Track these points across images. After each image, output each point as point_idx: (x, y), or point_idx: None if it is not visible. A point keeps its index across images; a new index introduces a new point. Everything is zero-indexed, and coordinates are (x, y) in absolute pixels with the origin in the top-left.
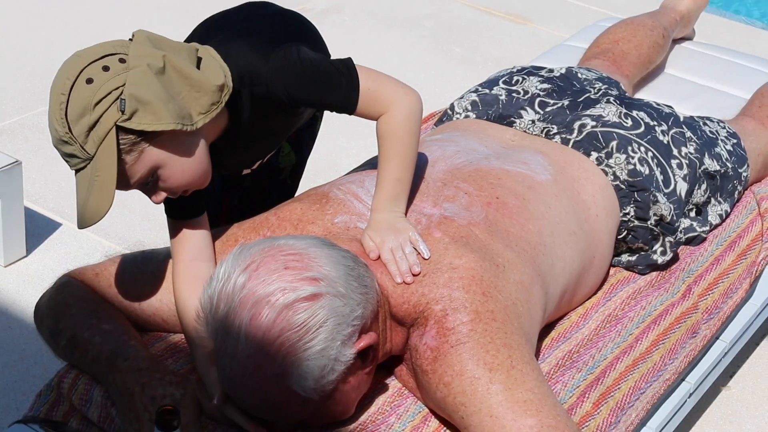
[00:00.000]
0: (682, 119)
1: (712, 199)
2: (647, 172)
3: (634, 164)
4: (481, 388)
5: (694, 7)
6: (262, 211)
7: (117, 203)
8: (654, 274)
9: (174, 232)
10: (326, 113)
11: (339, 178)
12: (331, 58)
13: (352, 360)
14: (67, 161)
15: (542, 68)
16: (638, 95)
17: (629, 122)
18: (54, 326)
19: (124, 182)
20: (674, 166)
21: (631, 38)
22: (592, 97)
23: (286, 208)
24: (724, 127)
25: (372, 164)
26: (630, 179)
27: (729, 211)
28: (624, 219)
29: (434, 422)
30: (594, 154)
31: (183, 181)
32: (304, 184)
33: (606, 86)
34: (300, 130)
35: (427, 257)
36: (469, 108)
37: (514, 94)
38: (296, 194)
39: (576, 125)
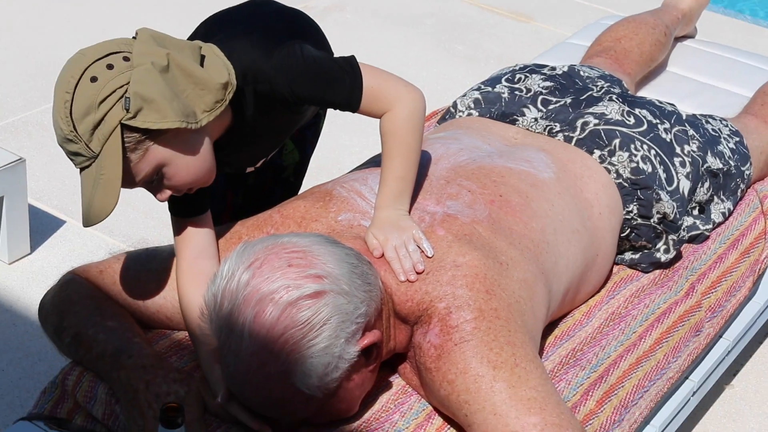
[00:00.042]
0: (684, 117)
1: (715, 197)
2: (650, 170)
3: (637, 162)
4: (484, 386)
5: (695, 6)
6: (266, 208)
7: (121, 201)
8: (657, 272)
9: (178, 229)
10: (329, 111)
11: (342, 175)
12: (334, 55)
13: (355, 358)
14: (71, 159)
15: (545, 66)
16: (640, 93)
17: (632, 120)
18: (58, 323)
19: (129, 180)
20: (677, 164)
21: (633, 36)
22: (595, 95)
23: (289, 205)
24: (727, 125)
25: (375, 162)
26: (633, 177)
27: (732, 209)
28: (627, 217)
29: (438, 420)
30: (597, 152)
31: (188, 178)
32: (308, 182)
33: (608, 84)
34: (303, 129)
35: (430, 255)
36: (472, 106)
37: (516, 92)
38: (300, 192)
39: (579, 123)
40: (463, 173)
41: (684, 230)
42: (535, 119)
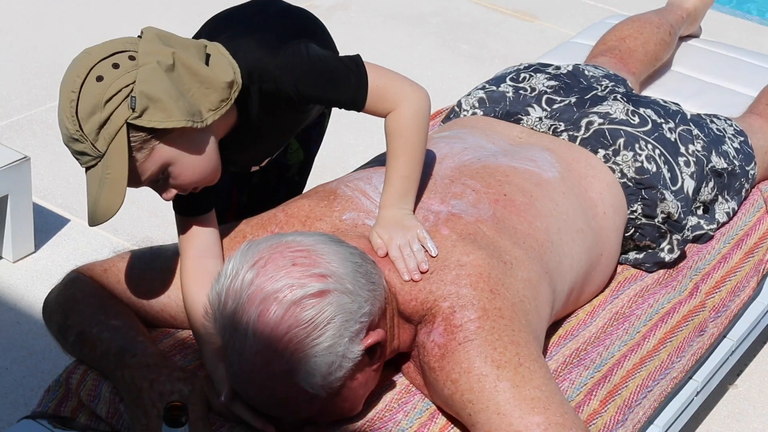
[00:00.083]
0: (689, 117)
1: (720, 197)
2: (654, 169)
3: (642, 162)
4: (488, 385)
5: (700, 5)
6: (270, 207)
7: (125, 199)
8: (661, 271)
9: (182, 228)
10: (334, 111)
11: (347, 175)
12: (339, 54)
13: (359, 357)
14: (77, 159)
15: (549, 65)
16: (645, 93)
17: (636, 120)
18: (63, 322)
19: (134, 179)
20: (681, 163)
21: (637, 36)
22: (600, 94)
23: (294, 204)
24: (731, 125)
25: (379, 161)
26: (637, 177)
27: (736, 209)
28: (631, 216)
29: (442, 419)
30: (601, 152)
31: (193, 177)
32: (312, 182)
33: (613, 83)
34: (308, 128)
35: (434, 255)
36: (477, 105)
37: (521, 91)
38: (304, 191)
39: (583, 122)
40: (467, 172)
41: (688, 230)
42: (540, 118)
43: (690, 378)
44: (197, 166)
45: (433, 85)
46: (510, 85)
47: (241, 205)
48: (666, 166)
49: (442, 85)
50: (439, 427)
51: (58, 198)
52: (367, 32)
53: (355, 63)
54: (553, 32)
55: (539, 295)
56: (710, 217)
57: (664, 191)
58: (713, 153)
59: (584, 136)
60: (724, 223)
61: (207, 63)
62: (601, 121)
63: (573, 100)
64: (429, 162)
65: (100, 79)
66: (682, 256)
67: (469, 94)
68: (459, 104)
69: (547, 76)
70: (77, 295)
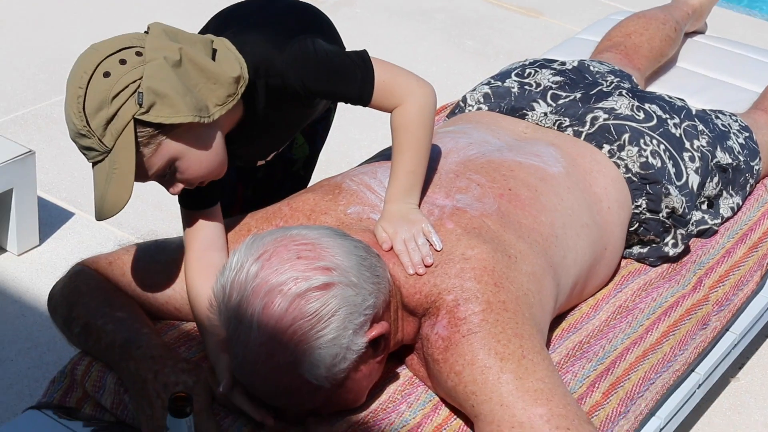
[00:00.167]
0: (694, 112)
1: (724, 192)
2: (659, 164)
3: (646, 157)
4: (491, 377)
5: (706, 1)
6: (275, 201)
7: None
8: (665, 266)
9: (187, 221)
10: (339, 105)
11: (351, 169)
12: (346, 50)
13: (363, 349)
14: (84, 154)
15: (554, 61)
16: (650, 88)
17: (641, 115)
18: (68, 314)
19: (142, 174)
20: (686, 158)
21: (643, 31)
22: (605, 90)
23: (299, 198)
24: (737, 121)
25: (384, 155)
26: (642, 172)
27: (741, 204)
28: (636, 211)
29: (445, 411)
30: (606, 147)
31: (200, 172)
32: (317, 176)
33: (618, 79)
34: (314, 123)
35: (439, 248)
36: (482, 100)
37: (526, 87)
38: (309, 185)
39: (588, 118)
40: (472, 167)
41: (692, 225)
42: (545, 114)
43: (692, 371)
44: (204, 160)
45: (438, 81)
46: (515, 81)
47: (246, 199)
48: (671, 162)
49: (448, 81)
50: (442, 419)
51: (63, 192)
52: (372, 28)
53: (362, 58)
54: (558, 28)
55: (543, 289)
56: (714, 212)
57: (669, 186)
58: (718, 148)
59: (589, 132)
60: (728, 218)
61: (214, 58)
62: (606, 116)
63: (578, 95)
64: (434, 156)
65: (107, 75)
66: (686, 251)
67: (474, 90)
68: (464, 99)
69: (552, 71)
70: (82, 287)
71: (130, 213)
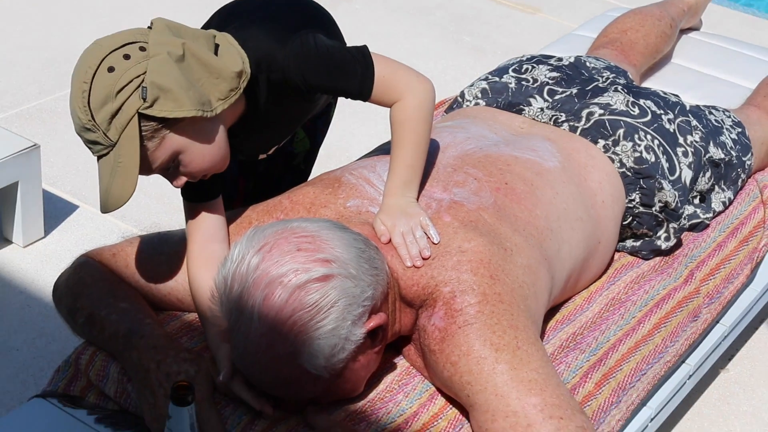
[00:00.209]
0: (688, 108)
1: (716, 187)
2: (653, 159)
3: (641, 152)
4: (487, 367)
5: None
6: (276, 195)
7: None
8: (657, 259)
9: (190, 214)
10: (339, 100)
11: (351, 163)
12: (347, 45)
13: (362, 339)
14: (89, 148)
15: (551, 57)
16: (645, 84)
17: (636, 111)
18: (72, 305)
19: (146, 167)
20: (680, 153)
21: (639, 28)
22: (600, 85)
23: (299, 191)
24: (730, 116)
25: (383, 150)
26: (636, 166)
27: (732, 198)
28: (629, 205)
29: (441, 400)
30: (601, 142)
31: (203, 165)
32: (317, 170)
33: (614, 75)
34: (315, 118)
35: (436, 242)
36: (479, 96)
37: (523, 82)
38: (309, 179)
39: (584, 113)
40: (469, 161)
41: (685, 219)
42: (541, 109)
43: (683, 362)
44: (207, 154)
45: (436, 76)
46: (512, 76)
47: (247, 192)
48: (664, 157)
49: (446, 76)
50: (438, 408)
51: (67, 185)
52: (371, 24)
53: (362, 53)
54: (555, 24)
55: (538, 281)
56: (706, 206)
57: (662, 181)
58: (711, 144)
59: (585, 127)
60: (719, 212)
61: (216, 53)
62: (601, 111)
63: (574, 91)
64: (432, 151)
65: (111, 69)
66: (678, 244)
67: (472, 85)
68: (462, 95)
69: (549, 67)
70: (86, 278)
71: (134, 206)
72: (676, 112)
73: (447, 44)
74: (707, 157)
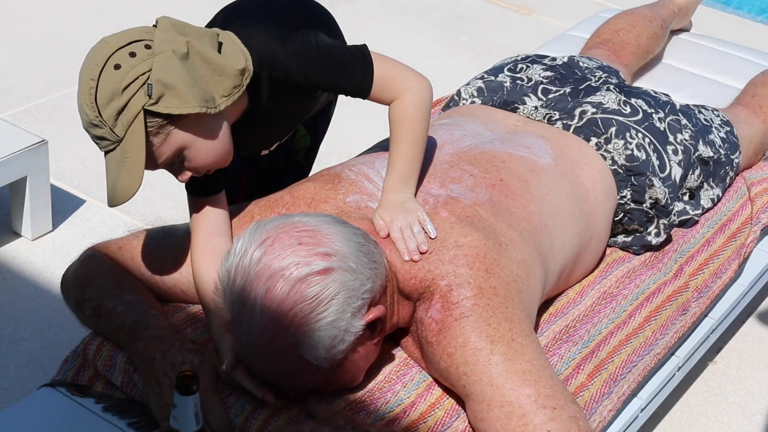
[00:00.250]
0: (678, 107)
1: (705, 184)
2: (644, 157)
3: (632, 150)
4: (482, 359)
5: (692, 0)
6: (278, 190)
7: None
8: (648, 254)
9: (194, 208)
10: (339, 98)
11: (350, 159)
12: (347, 44)
13: (361, 331)
14: (97, 143)
15: (545, 57)
16: (637, 84)
17: (628, 109)
18: (80, 296)
19: (151, 163)
20: (670, 151)
21: (630, 29)
22: (593, 85)
23: (300, 187)
24: (718, 115)
25: (381, 147)
26: (627, 164)
27: (721, 195)
28: (621, 202)
29: (438, 391)
30: (594, 140)
31: (207, 161)
32: (318, 166)
33: (606, 75)
34: (315, 115)
35: (434, 236)
36: (475, 94)
37: (518, 82)
38: (310, 175)
39: (577, 112)
40: (465, 158)
41: (674, 215)
42: (536, 107)
43: (672, 354)
44: (211, 149)
45: (433, 75)
46: (507, 76)
47: (250, 187)
48: (655, 154)
49: (442, 75)
50: (435, 398)
51: (75, 180)
52: (370, 24)
53: (362, 52)
54: (549, 25)
55: (532, 275)
56: (696, 203)
57: (653, 178)
58: (700, 142)
59: (578, 125)
60: (708, 209)
61: (219, 51)
62: (594, 110)
63: (567, 90)
64: (429, 148)
65: (117, 67)
66: (668, 240)
67: (468, 84)
68: (458, 93)
69: (543, 67)
70: (93, 271)
71: (139, 200)
72: (667, 111)
73: (444, 44)
74: (696, 155)
